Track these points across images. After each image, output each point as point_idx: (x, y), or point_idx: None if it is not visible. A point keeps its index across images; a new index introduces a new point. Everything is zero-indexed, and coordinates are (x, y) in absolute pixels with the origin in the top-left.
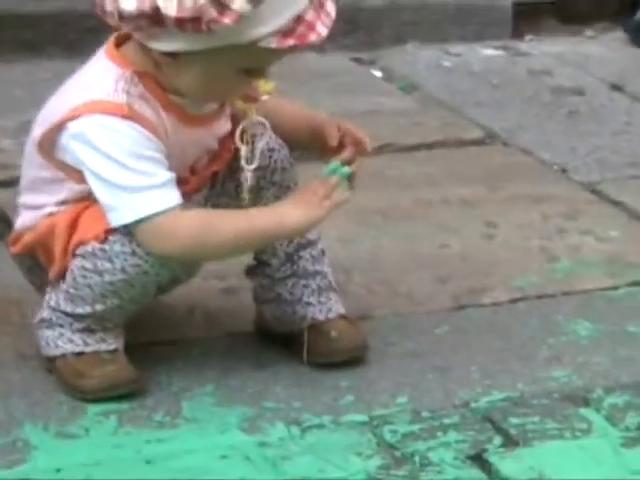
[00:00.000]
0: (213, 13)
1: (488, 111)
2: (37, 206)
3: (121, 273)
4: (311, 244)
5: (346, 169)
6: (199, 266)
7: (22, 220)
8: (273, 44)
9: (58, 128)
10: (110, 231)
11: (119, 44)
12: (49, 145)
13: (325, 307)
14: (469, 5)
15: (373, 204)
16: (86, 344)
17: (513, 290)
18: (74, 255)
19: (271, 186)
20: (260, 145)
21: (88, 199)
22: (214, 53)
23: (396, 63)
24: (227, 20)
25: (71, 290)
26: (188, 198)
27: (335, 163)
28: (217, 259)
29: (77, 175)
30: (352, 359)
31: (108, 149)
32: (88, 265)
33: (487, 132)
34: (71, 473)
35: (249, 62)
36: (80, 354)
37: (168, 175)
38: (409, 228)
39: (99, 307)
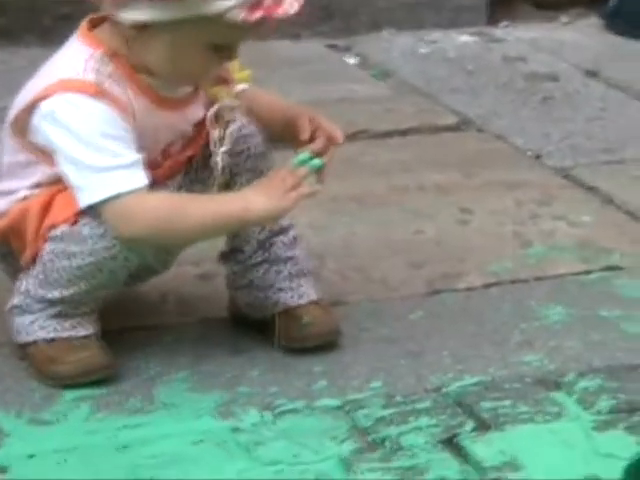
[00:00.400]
0: None
1: (463, 97)
2: (11, 191)
3: (89, 256)
4: (284, 231)
5: (316, 161)
6: (174, 256)
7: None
8: (240, 16)
9: (30, 108)
10: (80, 214)
11: (92, 27)
12: (22, 126)
13: (297, 293)
14: None
15: (347, 191)
16: (57, 330)
17: (487, 275)
18: (45, 239)
19: (245, 172)
20: (232, 128)
21: (62, 182)
22: (181, 25)
23: (372, 50)
24: None
25: (40, 275)
26: (161, 184)
27: (305, 154)
28: (183, 243)
29: (50, 158)
30: (325, 344)
31: (75, 127)
32: (58, 249)
33: (462, 118)
34: (45, 459)
35: (216, 37)
36: (52, 340)
37: (136, 156)
38: (383, 214)
39: (67, 292)
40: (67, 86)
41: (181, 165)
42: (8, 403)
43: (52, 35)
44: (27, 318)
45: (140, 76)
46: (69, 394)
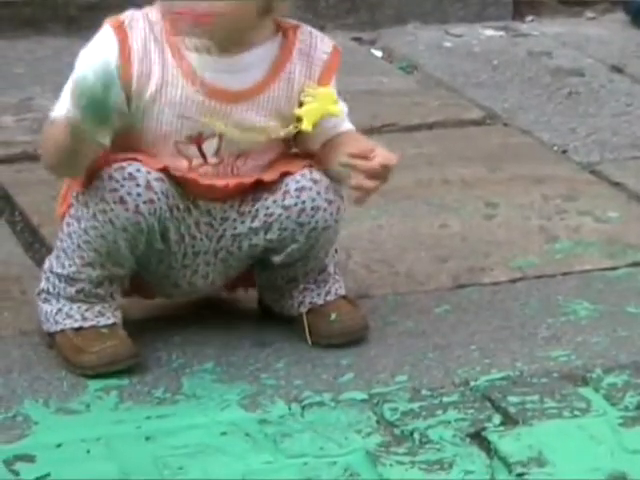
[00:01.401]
0: None
1: (488, 92)
2: None
3: (92, 219)
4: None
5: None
6: (203, 278)
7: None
8: None
9: None
10: (90, 177)
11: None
12: None
13: (324, 290)
14: None
15: None
16: (84, 319)
17: (513, 270)
18: (69, 205)
19: (304, 240)
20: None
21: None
22: None
23: (397, 43)
24: None
25: (58, 243)
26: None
27: None
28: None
29: None
30: (353, 340)
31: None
32: (72, 211)
33: (487, 112)
34: (71, 448)
35: None
36: (79, 329)
37: None
38: (409, 208)
39: (79, 262)
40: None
41: (238, 188)
42: (36, 392)
43: (78, 25)
44: (54, 306)
45: (186, 52)
46: (96, 384)
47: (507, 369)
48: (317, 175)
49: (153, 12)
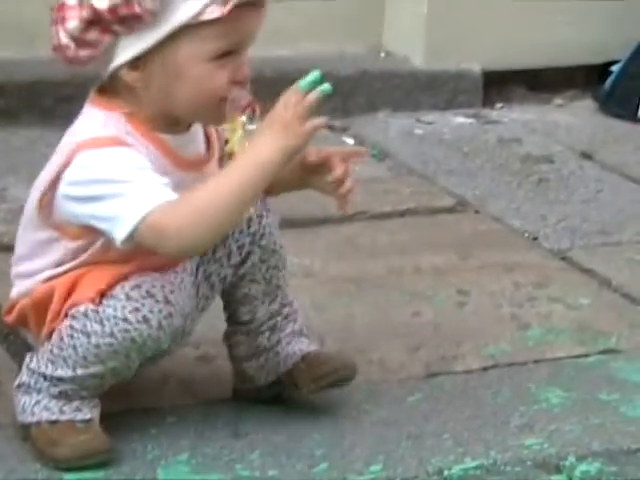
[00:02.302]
0: None
1: (459, 179)
2: (33, 272)
3: (109, 337)
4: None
5: (326, 86)
6: (188, 335)
7: (18, 289)
8: (216, 13)
9: (55, 182)
10: (106, 295)
11: (102, 93)
12: (46, 203)
13: (304, 341)
14: (440, 73)
15: (345, 272)
16: (62, 412)
17: (485, 358)
18: (65, 316)
19: (258, 249)
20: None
21: (85, 260)
22: (170, 46)
23: (368, 131)
24: None
25: (55, 350)
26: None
27: (315, 74)
28: (226, 226)
29: (72, 231)
30: (345, 378)
31: (104, 174)
32: (77, 325)
33: (458, 200)
34: None
35: (208, 45)
36: (55, 422)
37: (164, 180)
38: (381, 296)
39: (80, 372)
40: (86, 145)
41: None
42: None
43: (52, 115)
44: (32, 398)
45: (158, 135)
46: (71, 477)
47: (481, 458)
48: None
49: (105, 116)
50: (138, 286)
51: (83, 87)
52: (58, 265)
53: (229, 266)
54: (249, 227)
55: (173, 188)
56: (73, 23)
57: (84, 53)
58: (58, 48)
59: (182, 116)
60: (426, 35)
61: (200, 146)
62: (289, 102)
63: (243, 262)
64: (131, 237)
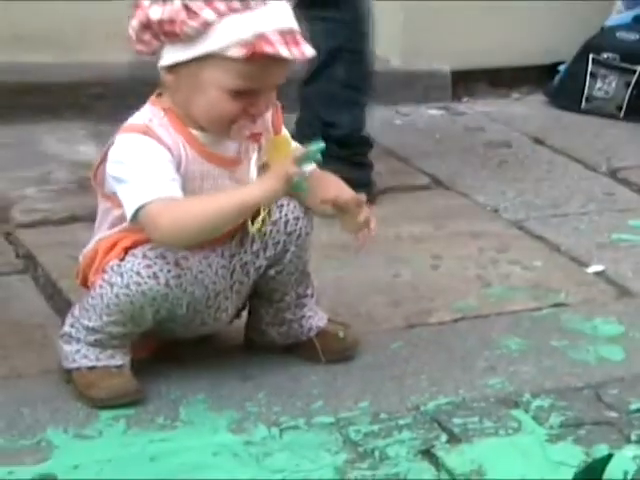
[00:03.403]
0: (183, 15)
1: (432, 161)
2: (94, 237)
3: (125, 288)
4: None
5: (321, 145)
6: (224, 312)
7: (82, 253)
8: (239, 54)
9: (103, 159)
10: (128, 251)
11: (159, 91)
12: (100, 178)
13: (319, 315)
14: (415, 72)
15: (336, 239)
16: (98, 359)
17: (455, 311)
18: (103, 271)
19: (295, 248)
20: (278, 213)
21: (127, 229)
22: (198, 65)
23: None
24: (194, 23)
25: (89, 299)
26: (211, 248)
27: (319, 146)
28: (198, 239)
29: (117, 200)
30: (350, 356)
31: (125, 158)
32: (106, 277)
33: (432, 179)
34: (87, 469)
35: (228, 78)
36: (92, 368)
37: (174, 175)
38: (367, 260)
39: (105, 319)
40: (124, 130)
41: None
42: (57, 421)
43: (87, 112)
44: (73, 347)
45: (190, 130)
46: (107, 413)
47: (452, 395)
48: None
49: (151, 109)
50: (155, 248)
51: (111, 86)
52: (108, 229)
53: (264, 258)
54: (286, 228)
55: (199, 177)
56: (135, 22)
57: (139, 48)
58: (128, 37)
59: (198, 122)
60: (403, 40)
61: (230, 147)
62: (288, 160)
63: (280, 258)
64: (135, 218)
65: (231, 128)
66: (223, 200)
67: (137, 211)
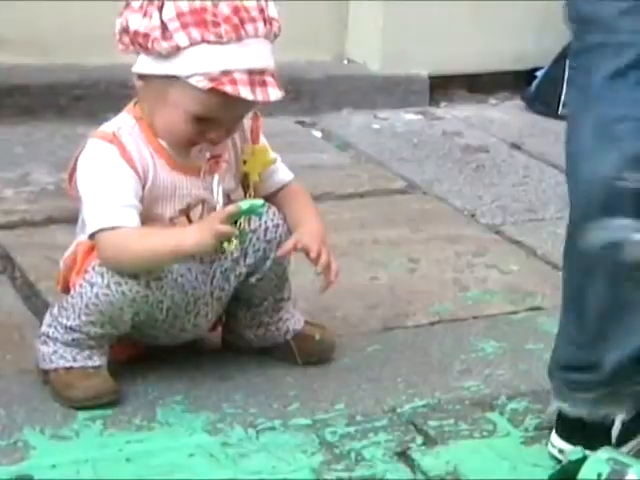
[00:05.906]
0: (158, 34)
1: (410, 166)
2: (75, 240)
3: (106, 288)
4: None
5: (260, 202)
6: (204, 317)
7: (63, 259)
8: (200, 84)
9: (74, 165)
10: None
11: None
12: (75, 182)
13: (297, 317)
14: (394, 77)
15: None
16: (75, 360)
17: (431, 315)
18: (85, 272)
19: (274, 254)
20: (257, 221)
21: None
22: (164, 83)
23: (333, 125)
24: (165, 44)
25: (69, 299)
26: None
27: (257, 204)
28: (134, 271)
29: None
30: (327, 359)
31: (87, 167)
32: (87, 277)
33: (409, 183)
34: (64, 469)
35: (191, 104)
36: (70, 368)
37: (130, 200)
38: (345, 263)
39: (84, 318)
40: (93, 135)
41: None
42: (34, 421)
43: (66, 113)
44: (50, 347)
45: (158, 140)
46: (84, 414)
47: (427, 398)
48: (267, 203)
49: (125, 117)
50: None
51: (91, 88)
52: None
53: (245, 265)
54: (265, 235)
55: (170, 187)
56: (118, 22)
57: (120, 47)
58: (118, 40)
59: (159, 134)
60: (382, 45)
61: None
62: (221, 212)
63: (260, 265)
64: (92, 237)
65: (191, 148)
66: (159, 242)
67: (93, 233)
